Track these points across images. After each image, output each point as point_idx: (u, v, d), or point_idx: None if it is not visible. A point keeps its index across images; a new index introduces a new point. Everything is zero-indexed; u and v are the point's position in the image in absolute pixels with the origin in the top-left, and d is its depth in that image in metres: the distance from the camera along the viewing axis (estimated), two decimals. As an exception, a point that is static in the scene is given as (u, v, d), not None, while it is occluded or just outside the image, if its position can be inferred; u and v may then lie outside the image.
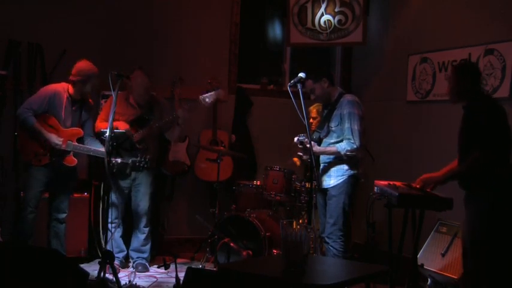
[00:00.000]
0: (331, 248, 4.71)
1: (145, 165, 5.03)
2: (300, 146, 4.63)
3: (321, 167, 4.81)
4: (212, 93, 5.69)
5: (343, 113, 4.69)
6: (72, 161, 5.05)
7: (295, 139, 4.62)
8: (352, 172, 4.75)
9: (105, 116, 5.36)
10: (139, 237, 5.53)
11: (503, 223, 3.94)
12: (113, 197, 5.38)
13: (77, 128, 5.08)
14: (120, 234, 5.54)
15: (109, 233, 5.31)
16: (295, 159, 5.83)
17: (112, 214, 5.30)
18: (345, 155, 4.66)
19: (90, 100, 5.25)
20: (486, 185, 3.96)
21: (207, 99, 5.65)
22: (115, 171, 4.99)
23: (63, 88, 5.07)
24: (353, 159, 4.73)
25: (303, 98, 4.39)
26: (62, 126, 5.01)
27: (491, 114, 3.95)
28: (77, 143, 5.04)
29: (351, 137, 4.65)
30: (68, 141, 4.99)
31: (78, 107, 5.13)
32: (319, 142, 4.82)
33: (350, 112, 4.67)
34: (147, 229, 5.54)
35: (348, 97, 4.78)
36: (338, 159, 4.73)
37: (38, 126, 4.93)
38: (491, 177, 3.94)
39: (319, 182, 4.73)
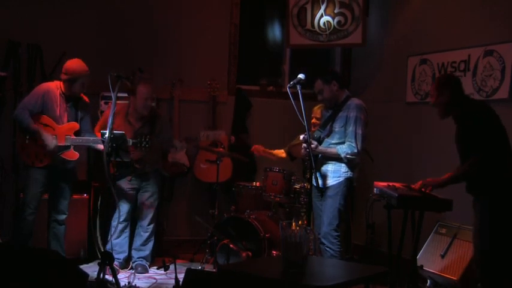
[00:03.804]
0: (327, 249, 4.71)
1: (147, 145, 5.02)
2: (304, 145, 4.63)
3: (320, 167, 4.81)
4: (214, 132, 5.77)
5: (349, 116, 4.71)
6: (73, 155, 5.05)
7: (301, 137, 4.62)
8: (348, 175, 4.75)
9: (102, 125, 5.33)
10: (143, 235, 5.53)
11: (504, 225, 3.94)
12: (116, 199, 5.35)
13: (73, 122, 5.07)
14: (127, 234, 5.53)
15: (109, 234, 5.31)
16: (282, 150, 5.84)
17: (117, 215, 5.31)
18: (345, 157, 4.67)
19: (85, 98, 5.22)
20: (492, 189, 3.96)
21: (207, 136, 5.74)
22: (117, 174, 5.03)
23: (55, 86, 5.08)
24: (351, 163, 4.73)
25: (303, 99, 4.39)
26: (58, 123, 5.01)
27: (482, 118, 3.98)
28: (75, 136, 5.04)
29: (353, 140, 4.66)
30: (66, 136, 4.99)
31: (73, 104, 5.12)
32: (319, 141, 4.82)
33: (356, 116, 4.69)
34: (151, 226, 5.54)
35: (356, 101, 4.80)
36: (337, 160, 4.74)
37: (35, 126, 4.93)
38: (496, 181, 3.95)
39: (317, 181, 4.72)
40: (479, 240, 3.99)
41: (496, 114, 4.02)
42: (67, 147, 5.01)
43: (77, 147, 5.06)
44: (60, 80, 5.09)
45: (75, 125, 5.08)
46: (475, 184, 4.03)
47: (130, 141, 5.00)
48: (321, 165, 4.80)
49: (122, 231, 5.47)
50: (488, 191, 3.97)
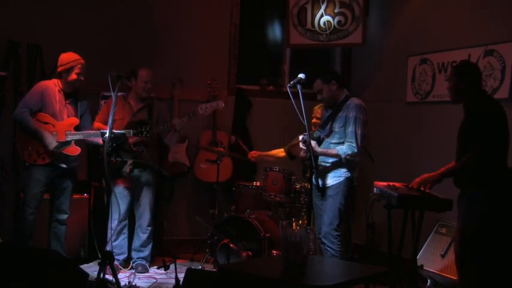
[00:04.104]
0: (328, 249, 4.71)
1: (148, 134, 5.04)
2: (303, 145, 4.63)
3: (320, 167, 4.81)
4: (212, 103, 5.71)
5: (348, 116, 4.70)
6: (74, 150, 5.05)
7: (300, 137, 4.63)
8: (349, 174, 4.75)
9: (102, 117, 5.39)
10: (141, 237, 5.53)
11: (497, 223, 3.94)
12: (116, 198, 5.35)
13: (73, 118, 5.09)
14: (125, 235, 5.53)
15: (109, 234, 5.31)
16: (281, 149, 5.84)
17: (115, 215, 5.31)
18: (345, 158, 4.67)
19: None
20: (481, 184, 3.97)
21: (205, 109, 5.67)
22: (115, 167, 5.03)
23: (53, 83, 5.11)
24: (351, 162, 4.73)
25: (303, 99, 4.39)
26: (57, 120, 5.02)
27: (490, 115, 3.96)
28: (75, 131, 5.05)
29: (353, 140, 4.66)
30: (66, 132, 5.00)
31: (72, 100, 5.14)
32: (319, 142, 4.82)
33: (356, 116, 4.69)
34: (150, 228, 5.54)
35: (356, 101, 4.80)
36: (337, 160, 4.74)
37: (35, 125, 4.94)
38: (487, 177, 3.95)
39: (317, 181, 4.72)
40: (464, 232, 3.99)
41: (505, 114, 4.01)
42: (68, 143, 5.02)
43: (77, 144, 5.07)
44: (57, 78, 5.10)
45: (75, 120, 5.10)
46: (466, 178, 4.01)
47: (131, 132, 5.00)
48: (322, 166, 4.80)
49: (120, 232, 5.47)
50: (486, 189, 3.97)
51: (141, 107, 5.48)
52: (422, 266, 5.11)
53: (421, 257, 5.12)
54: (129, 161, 5.36)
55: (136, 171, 5.44)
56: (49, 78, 5.59)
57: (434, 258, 5.16)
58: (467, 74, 4.08)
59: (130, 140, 5.19)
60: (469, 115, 4.04)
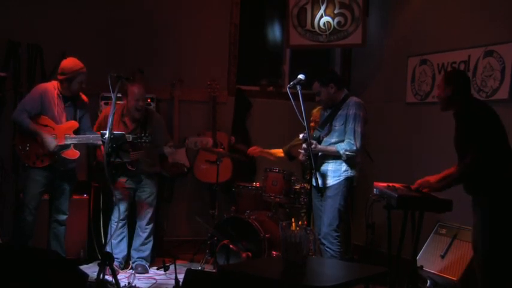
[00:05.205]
0: (327, 249, 4.71)
1: (147, 140, 5.02)
2: (304, 145, 4.63)
3: (319, 166, 4.81)
4: (202, 139, 5.72)
5: (348, 114, 4.71)
6: (73, 154, 5.04)
7: (300, 136, 4.62)
8: (349, 174, 4.75)
9: (99, 127, 5.35)
10: (141, 236, 5.52)
11: (504, 226, 3.94)
12: (115, 199, 5.35)
13: (72, 121, 5.07)
14: (124, 235, 5.52)
15: (108, 235, 5.31)
16: (280, 150, 5.84)
17: (115, 215, 5.31)
18: (344, 154, 4.67)
19: (83, 96, 5.20)
20: (492, 189, 3.96)
21: (195, 143, 5.68)
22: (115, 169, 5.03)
23: (53, 86, 5.07)
24: (351, 161, 4.73)
25: (302, 100, 4.39)
26: (57, 123, 5.01)
27: (478, 117, 3.98)
28: (74, 135, 5.04)
29: (352, 138, 4.66)
30: (66, 135, 4.99)
31: (71, 103, 5.11)
32: (319, 141, 4.82)
33: (356, 114, 4.69)
34: (149, 227, 5.54)
35: (355, 99, 4.80)
36: (336, 159, 4.73)
37: (34, 126, 4.93)
38: (496, 181, 3.95)
39: (317, 182, 4.72)
40: (481, 240, 3.99)
41: (496, 114, 4.02)
42: (67, 146, 5.01)
43: (77, 147, 5.06)
44: (56, 80, 5.08)
45: (75, 124, 5.08)
46: (474, 184, 4.03)
47: (131, 137, 4.98)
48: (321, 165, 4.80)
49: (120, 231, 5.46)
50: (488, 191, 3.97)
51: (136, 126, 5.42)
52: (422, 266, 5.11)
53: (420, 258, 5.12)
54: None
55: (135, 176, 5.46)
56: (49, 78, 5.59)
57: (434, 258, 5.16)
58: (451, 84, 4.12)
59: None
60: (459, 123, 4.07)
